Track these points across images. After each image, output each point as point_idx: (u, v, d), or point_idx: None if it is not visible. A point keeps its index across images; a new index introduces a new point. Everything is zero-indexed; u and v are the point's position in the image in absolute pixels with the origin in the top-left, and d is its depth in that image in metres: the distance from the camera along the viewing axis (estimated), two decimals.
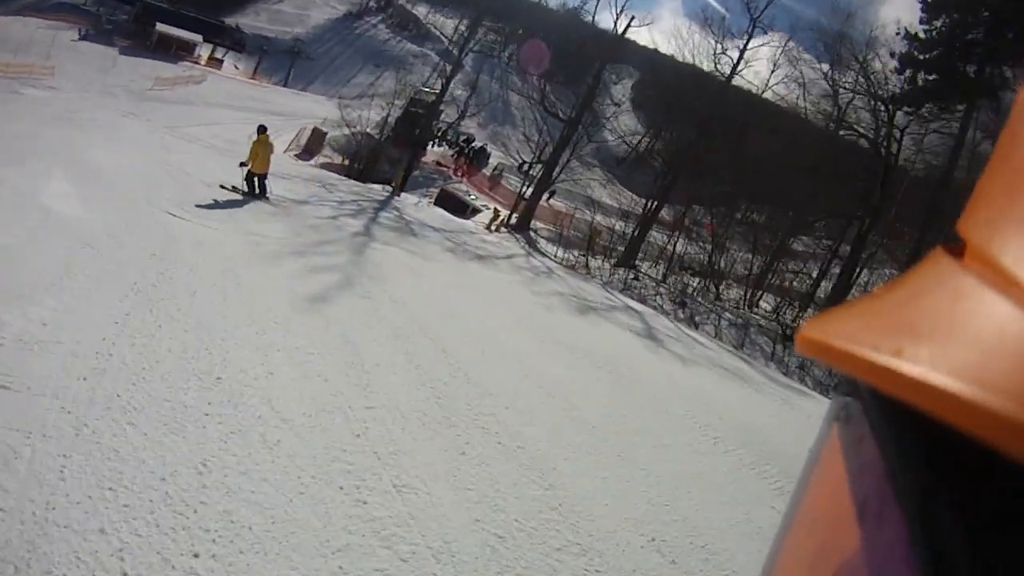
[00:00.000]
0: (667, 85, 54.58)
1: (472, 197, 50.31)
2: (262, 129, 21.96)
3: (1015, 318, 0.32)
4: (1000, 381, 0.28)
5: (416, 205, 33.97)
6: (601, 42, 52.12)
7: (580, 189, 59.50)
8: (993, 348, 0.31)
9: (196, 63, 66.04)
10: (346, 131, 53.89)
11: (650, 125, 77.32)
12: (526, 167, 50.88)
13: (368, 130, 56.58)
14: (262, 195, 20.60)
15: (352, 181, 36.79)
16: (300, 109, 60.78)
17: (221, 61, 72.38)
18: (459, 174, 58.31)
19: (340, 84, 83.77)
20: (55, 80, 44.92)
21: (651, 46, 77.68)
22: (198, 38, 70.15)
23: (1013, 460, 0.27)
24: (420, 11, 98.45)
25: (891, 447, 0.39)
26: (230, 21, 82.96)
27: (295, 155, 45.67)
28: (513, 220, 40.81)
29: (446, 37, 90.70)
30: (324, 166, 45.98)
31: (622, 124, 66.01)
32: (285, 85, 76.74)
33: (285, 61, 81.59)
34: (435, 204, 41.92)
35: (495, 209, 43.36)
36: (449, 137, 61.77)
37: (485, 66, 78.56)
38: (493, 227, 37.64)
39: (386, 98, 72.43)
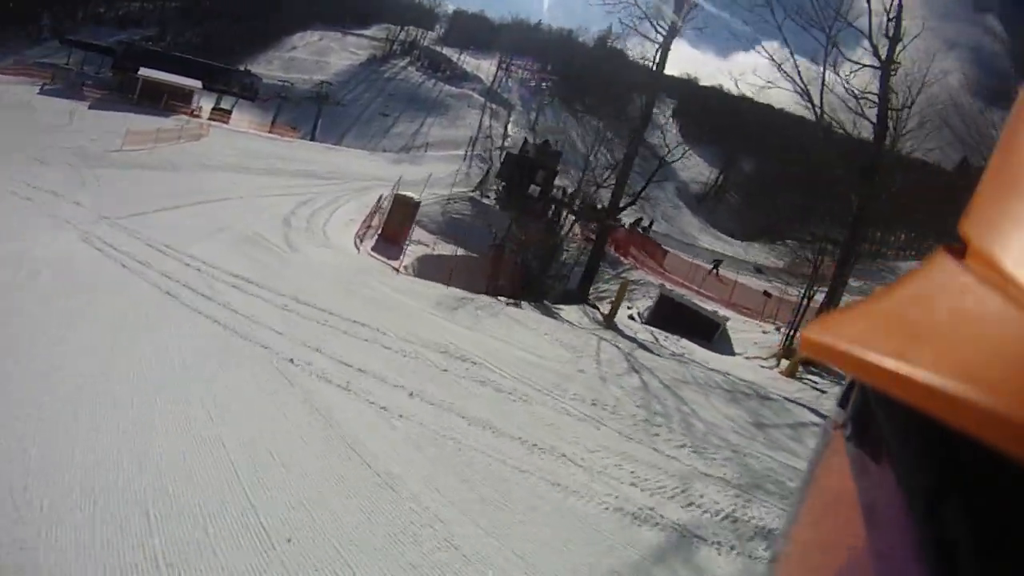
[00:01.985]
0: (708, 110, 54.95)
1: (706, 308, 31.10)
2: None
3: (1016, 319, 0.31)
4: (1003, 383, 0.28)
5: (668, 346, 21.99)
6: (635, 74, 49.68)
7: (679, 235, 55.38)
8: (995, 350, 0.30)
9: (194, 115, 46.13)
10: (432, 195, 35.52)
11: (720, 155, 78.96)
12: (646, 224, 46.24)
13: (472, 193, 40.88)
14: None
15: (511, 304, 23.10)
16: (341, 168, 42.51)
17: (229, 112, 52.49)
18: (633, 259, 42.27)
19: (378, 135, 68.56)
20: None
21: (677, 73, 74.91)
22: (196, 84, 50.18)
23: (1018, 461, 0.27)
24: (447, 53, 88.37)
25: (896, 449, 0.38)
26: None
27: (369, 246, 28.68)
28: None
29: (483, 76, 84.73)
30: (422, 262, 28.74)
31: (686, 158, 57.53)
32: (313, 139, 57.71)
33: (309, 111, 63.98)
34: (653, 323, 25.67)
35: (778, 328, 28.90)
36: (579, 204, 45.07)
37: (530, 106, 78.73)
38: (785, 366, 22.42)
39: (444, 148, 55.87)
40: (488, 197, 40.92)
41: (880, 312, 0.42)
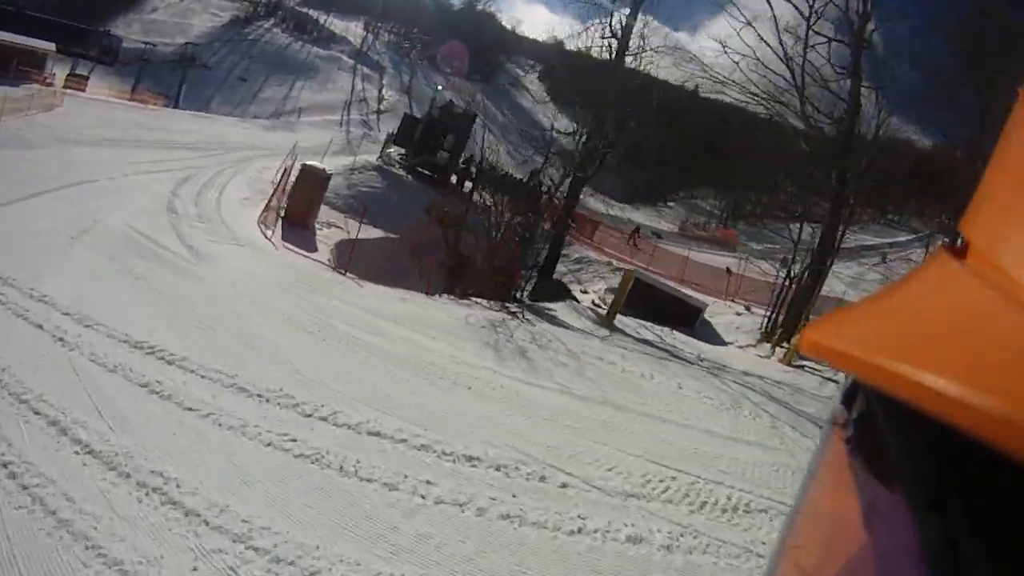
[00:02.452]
0: (574, 71, 50.32)
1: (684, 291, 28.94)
2: None
3: (1017, 319, 0.31)
4: (1004, 383, 0.28)
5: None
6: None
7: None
8: (996, 350, 0.30)
9: (46, 83, 41.20)
10: (331, 165, 31.78)
11: (591, 118, 70.83)
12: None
13: (377, 161, 38.11)
14: None
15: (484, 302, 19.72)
16: (214, 137, 39.39)
17: (86, 78, 47.76)
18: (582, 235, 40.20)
19: (245, 101, 64.51)
20: None
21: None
22: (49, 47, 45.18)
23: (1018, 462, 0.26)
24: (312, 14, 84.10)
25: (897, 449, 0.38)
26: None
27: (268, 227, 24.99)
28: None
29: (351, 39, 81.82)
30: (340, 251, 25.48)
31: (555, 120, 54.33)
32: (177, 106, 53.61)
33: (172, 76, 59.70)
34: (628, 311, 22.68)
35: (748, 308, 28.99)
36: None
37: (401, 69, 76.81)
38: (782, 354, 21.32)
39: (317, 112, 53.51)
40: (394, 166, 38.34)
41: (881, 312, 0.43)
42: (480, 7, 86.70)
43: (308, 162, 28.34)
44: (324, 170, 28.28)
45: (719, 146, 62.24)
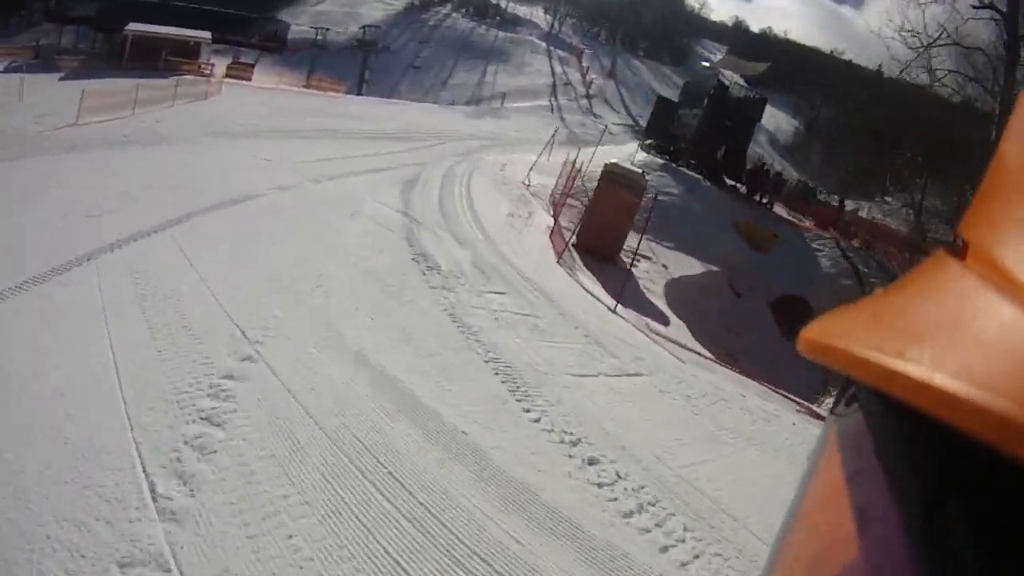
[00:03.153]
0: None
1: None
2: None
3: (1017, 320, 0.31)
4: (1003, 383, 0.28)
5: None
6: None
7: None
8: (996, 350, 0.30)
9: (202, 73, 32.81)
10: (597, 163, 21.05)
11: (793, 103, 75.31)
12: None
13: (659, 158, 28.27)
14: None
15: None
16: (415, 125, 28.72)
17: (252, 66, 38.95)
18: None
19: (436, 87, 56.24)
20: None
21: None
22: (205, 36, 36.91)
23: (1018, 463, 0.27)
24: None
25: (894, 450, 0.38)
26: None
27: (572, 269, 14.40)
28: None
29: (539, 21, 76.69)
30: (672, 294, 16.80)
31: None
32: (360, 92, 44.33)
33: (349, 63, 50.14)
34: None
35: None
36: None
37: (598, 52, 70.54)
38: None
39: (521, 98, 45.99)
40: (686, 166, 27.32)
41: (879, 312, 0.42)
42: None
43: (612, 161, 17.95)
44: (641, 175, 17.58)
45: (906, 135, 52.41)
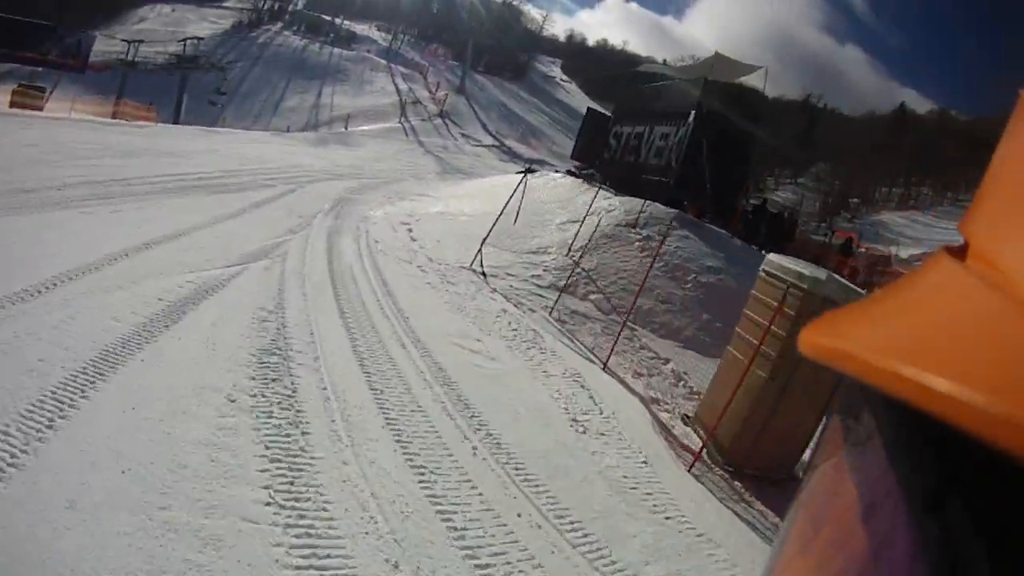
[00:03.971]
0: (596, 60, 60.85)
1: None
2: None
3: (1017, 319, 0.31)
4: (1004, 383, 0.28)
5: None
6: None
7: None
8: (996, 350, 0.30)
9: None
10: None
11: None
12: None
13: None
14: None
15: None
16: (256, 160, 21.20)
17: (42, 91, 29.83)
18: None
19: (267, 112, 49.99)
20: None
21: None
22: None
23: (1018, 461, 0.27)
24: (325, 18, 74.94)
25: (898, 450, 0.38)
26: None
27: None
28: None
29: (376, 37, 73.24)
30: None
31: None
32: (177, 120, 36.38)
33: (164, 84, 42.47)
34: None
35: None
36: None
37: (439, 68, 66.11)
38: None
39: (366, 120, 39.70)
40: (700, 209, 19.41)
41: (881, 312, 0.42)
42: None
43: (775, 266, 7.54)
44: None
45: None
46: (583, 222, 14.47)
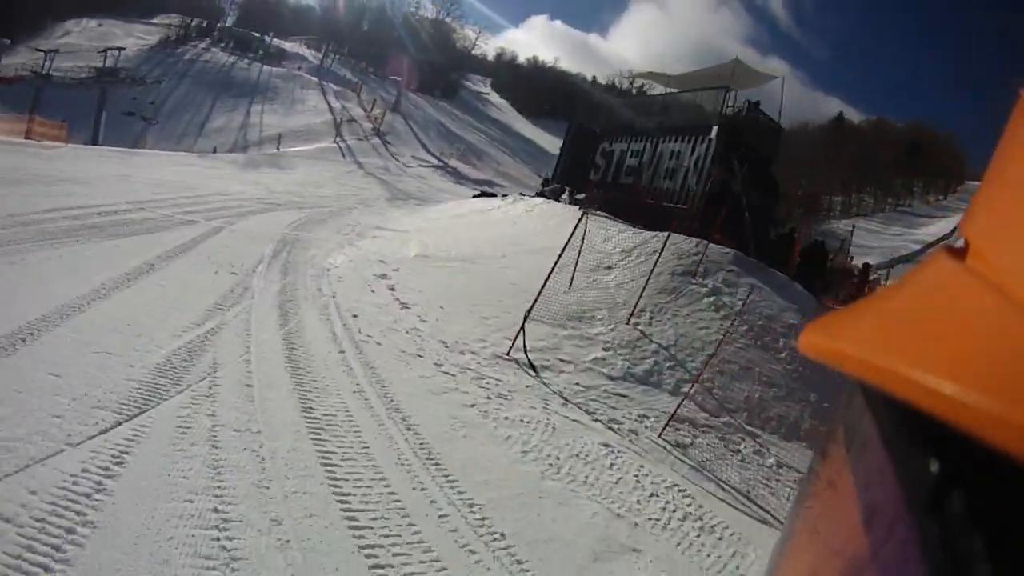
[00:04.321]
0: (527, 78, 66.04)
1: None
2: None
3: (1017, 319, 0.31)
4: (1004, 383, 0.28)
5: None
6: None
7: None
8: (996, 350, 0.30)
9: None
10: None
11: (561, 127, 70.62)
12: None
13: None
14: None
15: None
16: (181, 188, 17.55)
17: None
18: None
19: (191, 132, 46.96)
20: None
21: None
22: None
23: (1018, 460, 0.26)
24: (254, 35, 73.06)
25: (898, 450, 0.38)
26: None
27: None
28: None
29: (306, 55, 72.42)
30: None
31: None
32: (96, 141, 32.52)
33: (83, 100, 39.30)
34: None
35: None
36: None
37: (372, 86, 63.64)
38: None
39: (299, 141, 38.14)
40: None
41: (882, 312, 0.42)
42: (444, 17, 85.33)
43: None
44: None
45: None
46: (616, 266, 11.66)
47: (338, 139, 41.85)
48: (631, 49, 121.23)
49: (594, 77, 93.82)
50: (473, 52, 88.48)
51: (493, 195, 24.58)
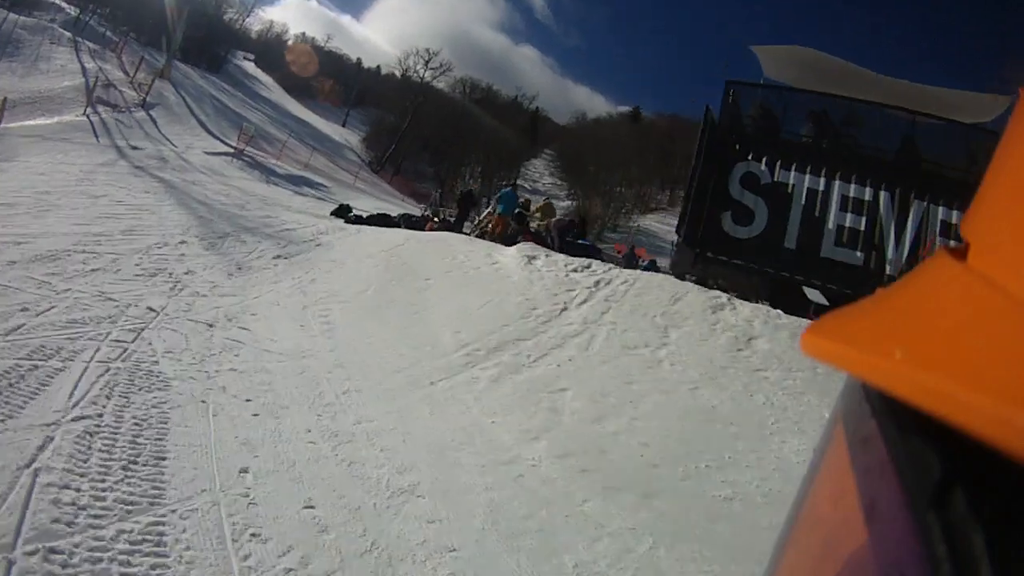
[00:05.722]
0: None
1: None
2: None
3: (1017, 319, 0.31)
4: (1005, 382, 0.27)
5: None
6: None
7: None
8: (997, 349, 0.30)
9: None
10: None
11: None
12: None
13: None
14: None
15: None
16: None
17: None
18: None
19: None
20: None
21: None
22: None
23: (1019, 460, 0.26)
24: None
25: (900, 449, 0.38)
26: None
27: None
28: None
29: (63, 5, 61.51)
30: None
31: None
32: None
33: None
34: None
35: None
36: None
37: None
38: None
39: (35, 112, 29.36)
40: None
41: (882, 312, 0.42)
42: None
43: None
44: None
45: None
46: None
47: (90, 110, 31.29)
48: (385, 32, 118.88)
49: (359, 59, 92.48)
50: (236, 27, 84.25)
51: (390, 216, 18.15)
